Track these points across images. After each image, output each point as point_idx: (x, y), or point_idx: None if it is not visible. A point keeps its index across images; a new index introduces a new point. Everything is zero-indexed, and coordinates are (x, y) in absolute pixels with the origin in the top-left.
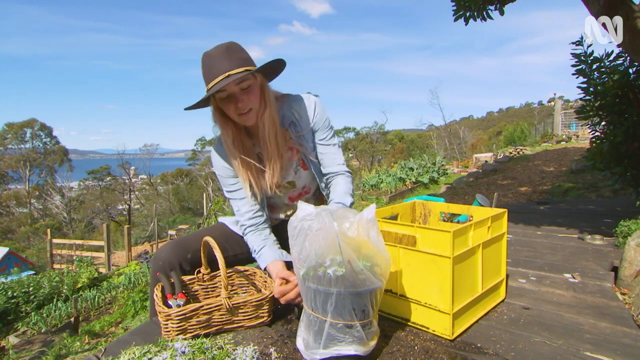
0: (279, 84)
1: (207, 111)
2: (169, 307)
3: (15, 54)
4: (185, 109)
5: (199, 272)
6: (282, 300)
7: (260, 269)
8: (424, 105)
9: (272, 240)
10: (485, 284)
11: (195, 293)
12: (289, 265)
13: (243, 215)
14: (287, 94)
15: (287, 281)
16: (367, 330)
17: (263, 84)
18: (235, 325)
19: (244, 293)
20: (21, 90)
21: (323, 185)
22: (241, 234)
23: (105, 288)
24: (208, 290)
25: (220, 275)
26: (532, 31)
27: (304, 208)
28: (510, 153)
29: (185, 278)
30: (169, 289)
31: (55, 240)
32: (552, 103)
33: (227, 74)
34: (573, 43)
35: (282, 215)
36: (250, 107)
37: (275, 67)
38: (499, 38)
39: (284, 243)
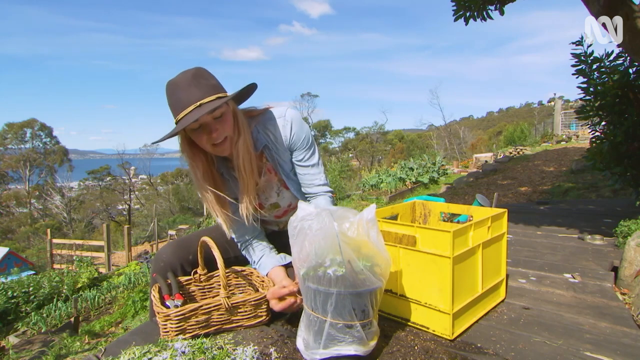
0: (281, 87)
1: None
2: (167, 307)
3: (15, 54)
4: (153, 143)
5: (195, 272)
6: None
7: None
8: (424, 105)
9: (269, 248)
10: (485, 284)
11: (192, 294)
12: (290, 268)
13: (235, 232)
14: (262, 111)
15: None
16: (367, 330)
17: (235, 111)
18: (234, 325)
19: (240, 293)
20: (21, 90)
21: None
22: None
23: (105, 288)
24: (205, 290)
25: (217, 276)
26: (532, 31)
27: (304, 208)
28: (510, 153)
29: (182, 279)
30: (165, 290)
31: (55, 240)
32: (552, 103)
33: (198, 103)
34: (573, 43)
35: (275, 228)
36: (225, 135)
37: (247, 92)
38: (499, 38)
39: (281, 250)
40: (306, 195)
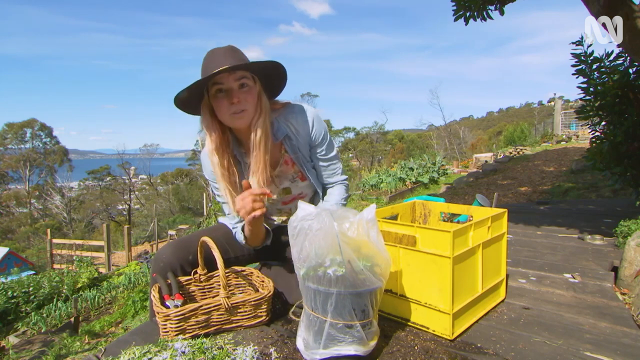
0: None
1: None
2: (167, 307)
3: (15, 54)
4: (176, 95)
5: (195, 272)
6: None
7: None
8: (424, 105)
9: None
10: (485, 284)
11: (192, 294)
12: (270, 235)
13: (234, 218)
14: (285, 104)
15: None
16: (367, 330)
17: (260, 92)
18: (234, 325)
19: (240, 293)
20: (21, 90)
21: (322, 193)
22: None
23: (105, 288)
24: (205, 290)
25: (217, 276)
26: (532, 31)
27: (304, 208)
28: (510, 153)
29: (182, 279)
30: (165, 290)
31: (55, 240)
32: (552, 103)
33: (228, 65)
34: (573, 43)
35: (275, 219)
36: (246, 108)
37: (275, 76)
38: (499, 38)
39: (281, 248)
40: (327, 186)
